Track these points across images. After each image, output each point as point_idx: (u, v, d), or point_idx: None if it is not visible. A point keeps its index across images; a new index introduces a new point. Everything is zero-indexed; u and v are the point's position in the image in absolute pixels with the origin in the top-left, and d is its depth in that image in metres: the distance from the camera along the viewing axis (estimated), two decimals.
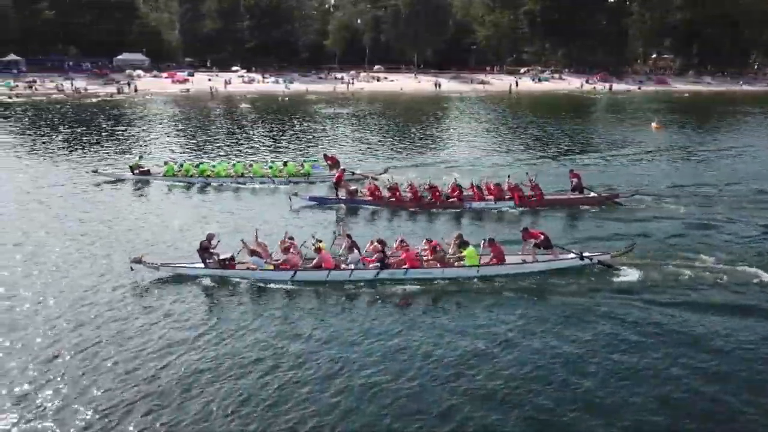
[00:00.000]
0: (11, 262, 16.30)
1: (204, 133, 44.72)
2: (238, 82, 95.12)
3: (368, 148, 37.74)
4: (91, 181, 26.37)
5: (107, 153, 34.67)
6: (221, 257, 15.30)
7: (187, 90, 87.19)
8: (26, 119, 52.90)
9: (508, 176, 23.40)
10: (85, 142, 39.14)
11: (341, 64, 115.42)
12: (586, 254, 15.76)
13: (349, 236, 16.04)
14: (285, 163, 27.16)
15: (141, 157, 28.79)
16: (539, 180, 23.22)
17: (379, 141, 40.89)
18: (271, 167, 26.73)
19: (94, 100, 73.35)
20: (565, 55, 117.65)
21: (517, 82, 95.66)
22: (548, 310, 13.23)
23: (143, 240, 18.13)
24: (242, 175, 26.32)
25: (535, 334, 12.06)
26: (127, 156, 32.67)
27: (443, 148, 37.73)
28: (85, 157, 33.31)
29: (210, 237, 15.67)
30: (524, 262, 15.68)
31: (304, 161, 27.91)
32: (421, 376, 10.51)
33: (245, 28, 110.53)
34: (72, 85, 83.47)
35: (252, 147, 37.80)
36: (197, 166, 26.97)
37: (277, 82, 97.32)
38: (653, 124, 47.67)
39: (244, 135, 43.38)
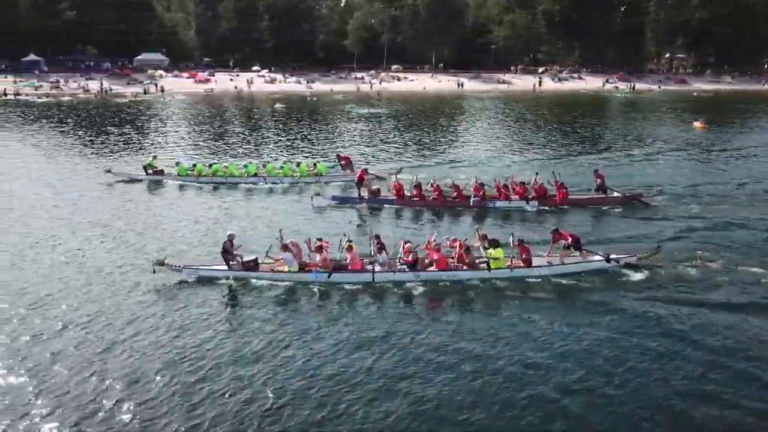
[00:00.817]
0: (31, 264, 16.09)
1: (242, 133, 44.67)
2: (260, 82, 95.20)
3: (403, 146, 37.86)
4: (105, 181, 26.39)
5: (139, 152, 34.48)
6: (245, 259, 15.19)
7: (211, 90, 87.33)
8: (58, 119, 53.01)
9: (537, 174, 23.33)
10: (115, 142, 39.35)
11: (358, 63, 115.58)
12: (612, 256, 15.63)
13: (377, 237, 15.83)
14: (298, 164, 27.04)
15: (155, 157, 28.56)
16: (566, 179, 23.17)
17: (415, 140, 41.06)
18: (282, 168, 26.59)
19: (122, 100, 73.43)
20: (582, 54, 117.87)
21: (540, 82, 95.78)
22: (575, 313, 13.16)
23: (163, 241, 17.99)
24: (255, 175, 26.17)
25: (565, 338, 11.95)
26: (162, 155, 32.34)
27: (474, 147, 37.68)
28: (115, 156, 33.56)
29: (231, 237, 15.50)
30: (550, 264, 15.55)
31: (317, 162, 27.66)
32: (448, 380, 10.46)
33: (264, 27, 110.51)
34: (102, 84, 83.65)
35: (292, 147, 37.65)
36: (210, 166, 26.81)
37: (299, 82, 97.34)
38: (696, 123, 47.76)
39: (284, 135, 43.29)
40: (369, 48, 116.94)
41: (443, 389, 10.15)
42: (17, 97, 74.53)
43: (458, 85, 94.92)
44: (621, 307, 13.38)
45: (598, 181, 23.04)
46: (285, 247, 15.00)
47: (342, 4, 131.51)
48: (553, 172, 23.46)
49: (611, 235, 18.54)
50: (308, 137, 42.21)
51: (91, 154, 34.78)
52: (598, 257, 15.71)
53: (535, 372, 10.71)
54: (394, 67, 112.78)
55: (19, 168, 30.02)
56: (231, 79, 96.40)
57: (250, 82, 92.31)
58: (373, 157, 33.67)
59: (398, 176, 24.73)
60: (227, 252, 15.09)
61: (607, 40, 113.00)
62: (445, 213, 21.36)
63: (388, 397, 9.90)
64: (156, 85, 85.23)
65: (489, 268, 14.97)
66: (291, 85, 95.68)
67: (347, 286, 14.42)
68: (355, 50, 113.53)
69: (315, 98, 77.10)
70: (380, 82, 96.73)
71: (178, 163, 27.08)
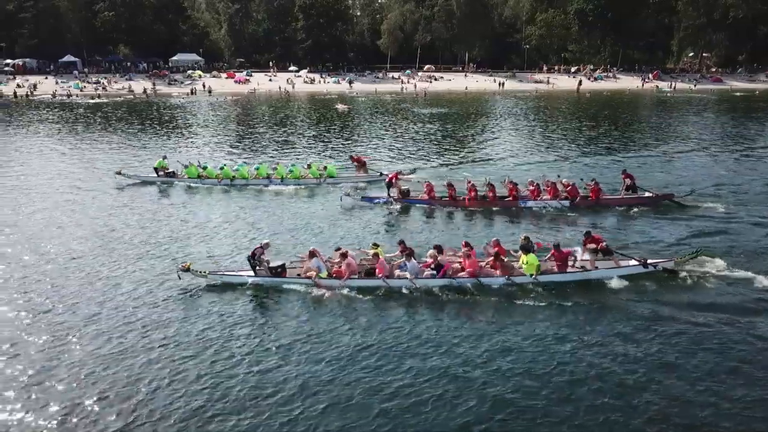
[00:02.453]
0: (55, 269, 15.74)
1: (313, 135, 44.04)
2: (299, 83, 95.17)
3: (476, 145, 37.84)
4: (115, 184, 26.04)
5: (213, 153, 33.92)
6: (271, 265, 14.85)
7: (254, 90, 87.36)
8: (121, 119, 53.25)
9: (558, 176, 23.00)
10: (179, 142, 39.20)
11: (389, 63, 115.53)
12: (650, 261, 14.97)
13: (402, 242, 15.38)
14: (308, 165, 26.71)
15: (165, 158, 27.93)
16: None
17: (487, 138, 40.96)
18: (291, 170, 26.06)
19: (175, 101, 73.55)
20: (613, 53, 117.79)
21: (581, 81, 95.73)
22: (611, 321, 12.63)
23: (182, 247, 17.56)
24: (267, 177, 25.80)
25: (600, 346, 11.58)
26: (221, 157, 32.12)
27: (543, 146, 37.20)
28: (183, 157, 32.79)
29: (265, 246, 15.22)
30: (584, 269, 14.97)
31: (327, 165, 27.14)
32: (478, 389, 10.22)
33: (300, 28, 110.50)
34: (154, 85, 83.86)
35: (364, 148, 36.78)
36: (221, 168, 26.35)
37: (338, 82, 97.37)
38: None
39: (356, 136, 42.84)
40: (401, 48, 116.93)
41: (469, 395, 10.01)
42: (70, 98, 74.80)
43: (499, 84, 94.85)
44: (659, 315, 12.79)
45: (627, 181, 22.47)
46: (312, 254, 14.71)
47: (370, 5, 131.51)
48: (593, 177, 23.07)
49: (645, 237, 18.05)
50: (381, 138, 41.63)
51: (147, 153, 34.35)
52: (633, 262, 15.04)
53: (567, 381, 10.39)
54: (426, 66, 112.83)
55: (76, 170, 29.73)
56: (270, 80, 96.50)
57: (291, 83, 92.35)
58: (454, 158, 33.47)
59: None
60: (255, 257, 14.76)
61: (637, 38, 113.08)
62: (477, 213, 20.93)
63: (417, 404, 9.78)
64: (204, 85, 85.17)
65: (522, 274, 14.50)
66: (331, 85, 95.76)
67: (377, 293, 14.06)
68: (390, 51, 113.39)
69: (363, 98, 77.10)
70: (431, 81, 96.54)
71: (186, 166, 26.53)
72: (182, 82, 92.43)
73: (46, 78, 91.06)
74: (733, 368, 10.82)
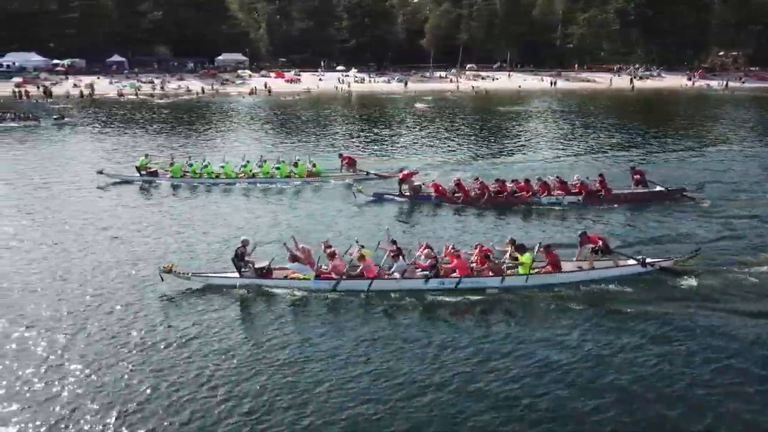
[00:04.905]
0: (36, 270, 15.43)
1: (411, 136, 43.64)
2: (350, 82, 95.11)
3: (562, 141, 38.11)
4: (97, 183, 25.72)
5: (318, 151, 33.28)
6: (257, 266, 14.48)
7: (308, 90, 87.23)
8: (213, 119, 53.38)
9: (577, 175, 23.08)
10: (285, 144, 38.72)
11: (431, 63, 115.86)
12: (648, 260, 14.72)
13: (394, 242, 15.09)
14: (296, 164, 26.46)
15: (147, 156, 27.52)
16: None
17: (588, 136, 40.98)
18: (278, 168, 25.91)
19: (243, 100, 73.61)
20: (650, 52, 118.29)
21: (632, 80, 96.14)
22: (605, 322, 12.44)
23: (164, 247, 17.14)
24: (253, 176, 25.67)
25: (594, 350, 11.35)
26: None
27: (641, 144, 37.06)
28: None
29: (245, 243, 14.85)
30: (580, 269, 14.68)
31: (314, 162, 26.93)
32: (470, 393, 10.08)
33: (344, 27, 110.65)
34: (221, 84, 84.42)
35: (466, 148, 36.43)
36: (205, 166, 26.03)
37: (387, 81, 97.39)
38: None
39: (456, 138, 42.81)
40: (438, 47, 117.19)
41: (459, 397, 9.92)
42: (137, 97, 74.91)
43: (551, 83, 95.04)
44: (655, 317, 12.58)
45: (636, 177, 22.70)
46: (294, 257, 14.34)
47: (407, 5, 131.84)
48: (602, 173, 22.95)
49: (650, 234, 17.97)
50: (475, 135, 41.57)
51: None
52: (632, 261, 14.78)
53: (560, 384, 10.27)
54: (468, 66, 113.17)
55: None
56: (320, 79, 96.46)
57: (344, 82, 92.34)
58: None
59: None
60: (240, 258, 14.44)
61: (670, 37, 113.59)
62: (487, 210, 21.03)
63: (405, 409, 9.65)
64: (266, 85, 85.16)
65: (514, 275, 14.16)
66: (381, 84, 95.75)
67: (363, 295, 13.80)
68: (432, 50, 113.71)
69: (430, 97, 77.30)
70: (493, 80, 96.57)
71: (172, 164, 26.32)
72: (234, 82, 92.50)
73: (98, 78, 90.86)
74: (737, 371, 10.65)
